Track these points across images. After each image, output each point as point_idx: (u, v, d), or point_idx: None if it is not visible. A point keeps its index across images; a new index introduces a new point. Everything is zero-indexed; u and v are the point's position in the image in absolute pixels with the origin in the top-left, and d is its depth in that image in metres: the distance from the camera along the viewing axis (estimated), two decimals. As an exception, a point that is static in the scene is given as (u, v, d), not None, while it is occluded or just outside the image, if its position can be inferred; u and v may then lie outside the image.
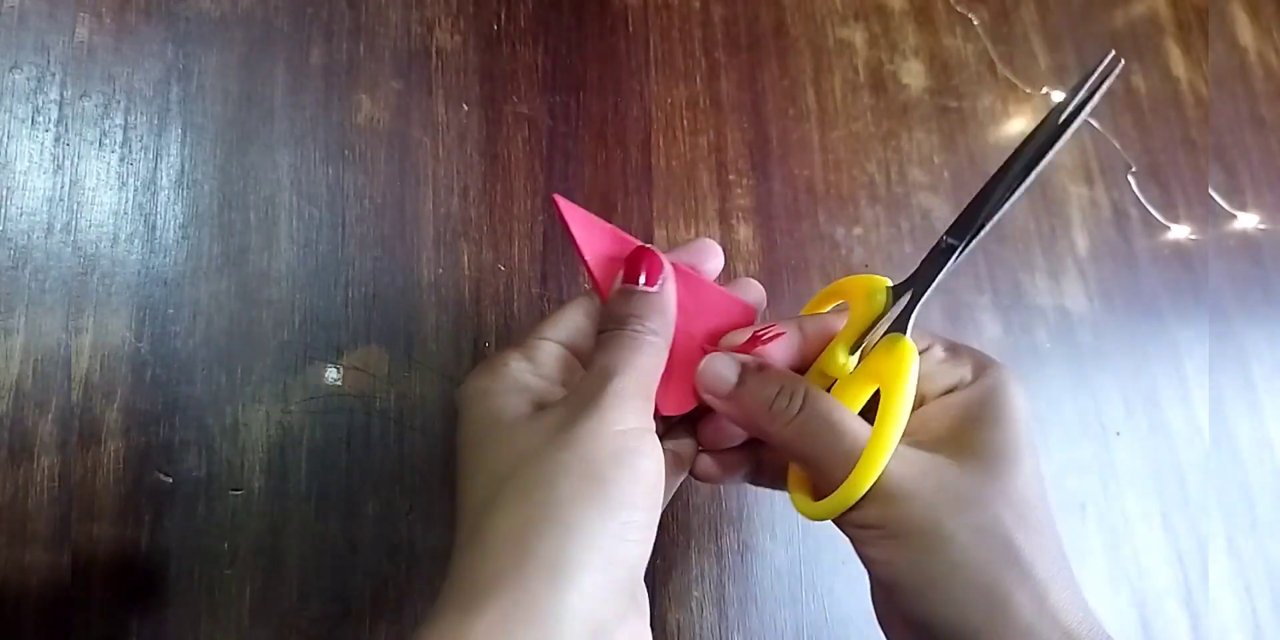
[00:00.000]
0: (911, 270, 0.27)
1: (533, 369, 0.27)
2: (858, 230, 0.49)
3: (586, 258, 0.28)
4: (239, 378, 0.33)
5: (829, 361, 0.27)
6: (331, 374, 0.35)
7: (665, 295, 0.28)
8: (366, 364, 0.35)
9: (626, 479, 0.22)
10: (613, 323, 0.27)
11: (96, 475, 0.31)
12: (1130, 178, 0.59)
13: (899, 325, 0.26)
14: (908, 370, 0.25)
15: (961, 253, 0.26)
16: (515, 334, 0.38)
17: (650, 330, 0.27)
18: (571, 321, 0.29)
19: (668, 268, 0.28)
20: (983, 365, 0.28)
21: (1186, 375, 0.56)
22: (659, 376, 0.27)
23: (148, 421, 0.32)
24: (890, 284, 0.27)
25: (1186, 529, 0.52)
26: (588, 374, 0.26)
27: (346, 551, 0.33)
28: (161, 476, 0.32)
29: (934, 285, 0.26)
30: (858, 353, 0.27)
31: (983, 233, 0.26)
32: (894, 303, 0.27)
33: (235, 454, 0.33)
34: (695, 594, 0.38)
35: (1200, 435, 0.55)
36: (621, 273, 0.28)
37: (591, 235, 0.28)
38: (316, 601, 0.32)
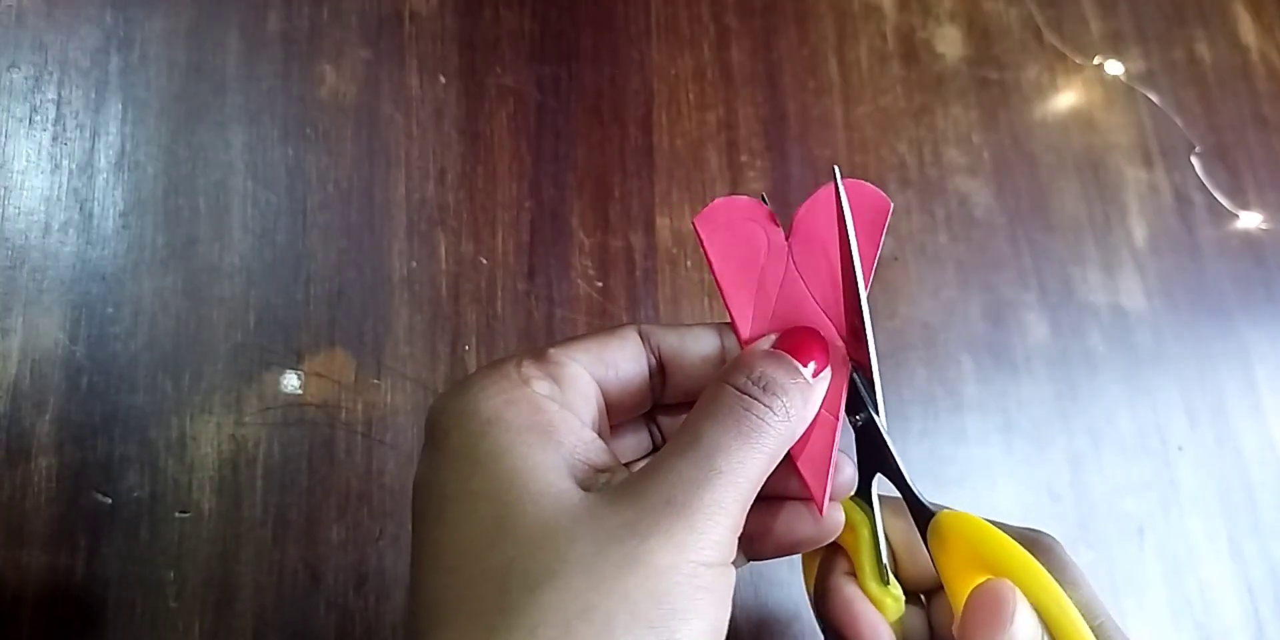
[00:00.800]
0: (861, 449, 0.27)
1: (560, 397, 0.23)
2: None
3: (720, 276, 0.26)
4: (186, 385, 0.33)
5: (876, 602, 0.26)
6: (291, 381, 0.35)
7: (819, 391, 0.24)
8: (330, 370, 0.35)
9: (695, 630, 0.19)
10: (744, 382, 0.23)
11: (25, 495, 0.31)
12: (1194, 159, 0.59)
13: (919, 510, 0.25)
14: (1019, 558, 0.23)
15: (881, 415, 0.26)
16: (499, 337, 0.38)
17: (789, 418, 0.23)
18: (613, 356, 0.25)
19: (835, 359, 0.25)
20: (1047, 563, 0.26)
21: (1257, 382, 0.56)
22: (760, 485, 0.22)
23: (83, 435, 0.32)
24: (850, 496, 0.27)
25: (1257, 556, 0.52)
26: (677, 452, 0.21)
27: (307, 581, 0.33)
28: (99, 497, 0.31)
29: (899, 462, 0.26)
30: (890, 577, 0.26)
31: (878, 386, 0.26)
32: (873, 506, 0.26)
33: (182, 471, 0.32)
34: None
35: (1273, 450, 0.55)
36: (775, 337, 0.25)
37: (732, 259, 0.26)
38: (273, 638, 0.32)
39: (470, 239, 0.39)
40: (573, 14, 0.44)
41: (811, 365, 0.24)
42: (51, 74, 0.34)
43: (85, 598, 0.31)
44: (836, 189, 0.25)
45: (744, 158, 0.46)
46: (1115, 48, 0.58)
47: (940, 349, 0.47)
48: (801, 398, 0.23)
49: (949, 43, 0.54)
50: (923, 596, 0.27)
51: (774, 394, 0.23)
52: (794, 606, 0.40)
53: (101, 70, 0.35)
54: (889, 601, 0.26)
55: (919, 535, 0.26)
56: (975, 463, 0.46)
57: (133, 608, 0.31)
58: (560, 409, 0.22)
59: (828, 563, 0.27)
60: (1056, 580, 0.25)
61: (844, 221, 0.25)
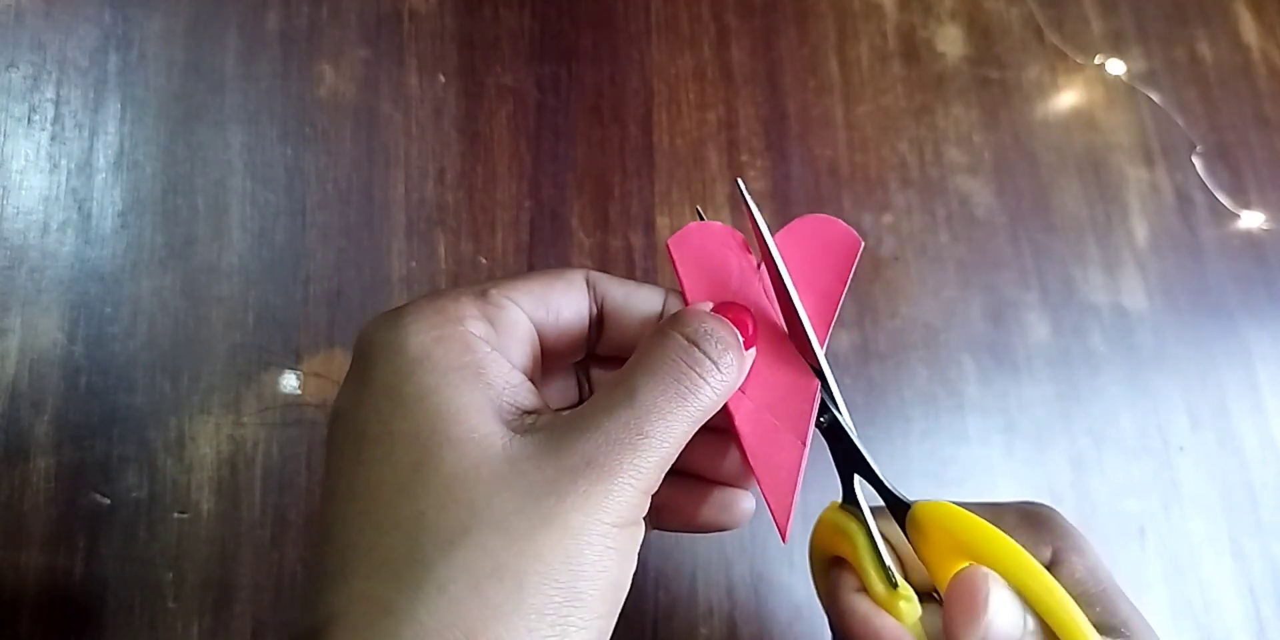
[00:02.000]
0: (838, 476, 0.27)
1: (494, 339, 0.22)
2: (887, 218, 0.48)
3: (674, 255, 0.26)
4: (185, 385, 0.33)
5: (890, 608, 0.26)
6: (290, 381, 0.34)
7: (749, 363, 0.25)
8: (329, 370, 0.35)
9: (601, 592, 0.19)
10: (692, 331, 0.22)
11: (24, 496, 0.31)
12: (1195, 159, 0.59)
13: (895, 503, 0.25)
14: (1005, 547, 0.23)
15: (844, 413, 0.26)
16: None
17: (725, 380, 0.22)
18: (556, 301, 0.24)
19: (804, 385, 0.25)
20: (1049, 532, 0.26)
21: (1259, 382, 0.56)
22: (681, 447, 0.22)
23: (82, 435, 0.32)
24: (839, 503, 0.27)
25: (1259, 556, 0.52)
26: (607, 409, 0.21)
27: (307, 582, 0.33)
28: (98, 497, 0.31)
29: (869, 459, 0.26)
30: (898, 578, 0.26)
31: (833, 387, 0.26)
32: (861, 508, 0.26)
33: (181, 472, 0.32)
34: (703, 631, 0.38)
35: (1275, 450, 0.55)
36: (711, 304, 0.25)
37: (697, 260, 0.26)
38: (272, 639, 0.32)
39: (470, 238, 0.39)
40: (572, 13, 0.44)
41: (750, 349, 0.24)
42: (50, 73, 0.34)
43: (84, 598, 0.31)
44: (747, 205, 0.25)
45: (744, 157, 0.46)
46: (1116, 47, 0.58)
47: (941, 349, 0.47)
48: (739, 362, 0.23)
49: (950, 42, 0.54)
50: (936, 593, 0.27)
51: (722, 348, 0.23)
52: (794, 607, 0.40)
53: (100, 69, 0.35)
54: (902, 604, 0.25)
55: None
56: (976, 463, 0.46)
57: (131, 608, 0.31)
58: (491, 351, 0.22)
59: (835, 580, 0.27)
60: (1059, 548, 0.25)
61: (759, 233, 0.25)
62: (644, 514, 0.21)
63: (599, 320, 0.26)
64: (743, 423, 0.25)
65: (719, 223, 0.26)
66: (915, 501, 0.25)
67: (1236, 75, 0.63)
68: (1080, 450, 0.49)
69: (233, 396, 0.34)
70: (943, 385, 0.47)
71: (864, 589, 0.26)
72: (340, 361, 0.35)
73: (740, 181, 0.25)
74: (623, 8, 0.45)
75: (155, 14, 0.36)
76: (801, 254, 0.26)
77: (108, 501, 0.31)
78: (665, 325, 0.23)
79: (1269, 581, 0.51)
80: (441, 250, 0.38)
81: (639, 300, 0.26)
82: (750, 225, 0.25)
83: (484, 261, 0.39)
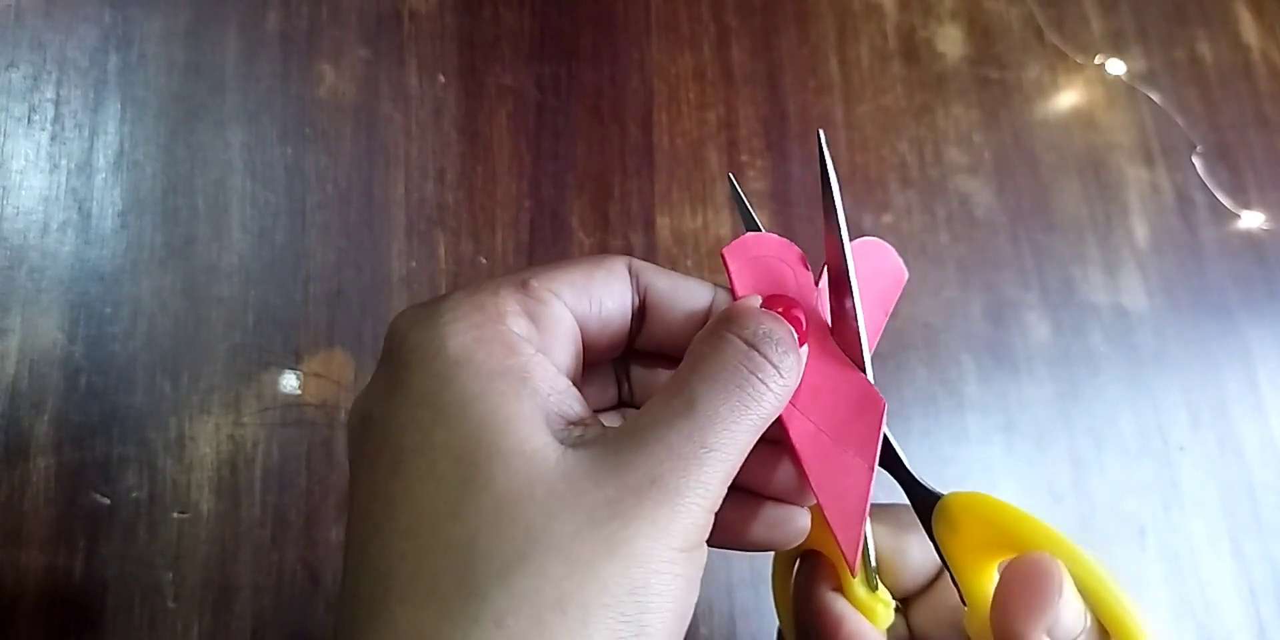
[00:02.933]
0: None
1: (537, 340, 0.21)
2: (888, 217, 0.48)
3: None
4: (185, 385, 0.33)
5: (866, 611, 0.25)
6: (290, 381, 0.34)
7: (804, 362, 0.23)
8: (329, 370, 0.35)
9: (667, 625, 0.18)
10: (751, 334, 0.21)
11: (24, 496, 0.31)
12: (1196, 159, 0.59)
13: (921, 495, 0.24)
14: (1040, 530, 0.22)
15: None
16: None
17: (782, 387, 0.21)
18: (599, 291, 0.22)
19: (869, 407, 0.24)
20: None
21: (1259, 382, 0.56)
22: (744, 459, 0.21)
23: (82, 435, 0.32)
24: None
25: (1260, 557, 0.52)
26: (666, 420, 0.19)
27: (306, 582, 0.33)
28: (97, 497, 0.31)
29: (898, 450, 0.24)
30: (878, 582, 0.25)
31: (869, 368, 0.24)
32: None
33: (181, 472, 0.32)
34: (703, 631, 0.38)
35: (1275, 450, 0.55)
36: (760, 298, 0.23)
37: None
38: (272, 639, 0.32)
39: (470, 238, 0.39)
40: (572, 13, 0.44)
41: (805, 345, 0.23)
42: (50, 73, 0.34)
43: (84, 598, 0.31)
44: (821, 154, 0.24)
45: (744, 157, 0.46)
46: (1116, 47, 0.58)
47: (941, 349, 0.47)
48: (798, 364, 0.22)
49: (950, 42, 0.54)
50: (897, 603, 0.26)
51: (784, 351, 0.21)
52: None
53: (100, 69, 0.35)
54: (879, 609, 0.24)
55: (904, 539, 0.25)
56: (976, 463, 0.46)
57: (131, 608, 0.31)
58: (536, 353, 0.20)
59: (810, 576, 0.26)
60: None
61: (829, 187, 0.24)
62: (707, 535, 0.20)
63: (640, 312, 0.24)
64: (800, 440, 0.23)
65: (776, 236, 0.25)
66: (947, 492, 0.24)
67: (1237, 75, 0.63)
68: (1080, 450, 0.49)
69: (233, 396, 0.34)
70: (942, 385, 0.47)
71: (839, 588, 0.25)
72: (340, 361, 0.35)
73: (733, 181, 0.25)
74: (623, 8, 0.45)
75: (155, 14, 0.36)
76: (864, 277, 0.25)
77: (108, 501, 0.31)
78: (720, 326, 0.21)
79: (1269, 581, 0.51)
80: (441, 250, 0.38)
81: (686, 294, 0.24)
82: (823, 226, 0.25)
83: (484, 261, 0.39)
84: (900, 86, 0.51)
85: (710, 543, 0.24)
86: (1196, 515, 0.51)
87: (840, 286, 0.24)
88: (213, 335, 0.34)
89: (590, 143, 0.42)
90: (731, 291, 0.24)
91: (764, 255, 0.25)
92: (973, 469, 0.46)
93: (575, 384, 0.21)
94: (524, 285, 0.21)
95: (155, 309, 0.33)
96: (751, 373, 0.20)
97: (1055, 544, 0.22)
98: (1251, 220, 0.59)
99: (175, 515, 0.32)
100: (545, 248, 0.40)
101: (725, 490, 0.20)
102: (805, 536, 0.24)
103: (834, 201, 0.24)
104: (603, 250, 0.41)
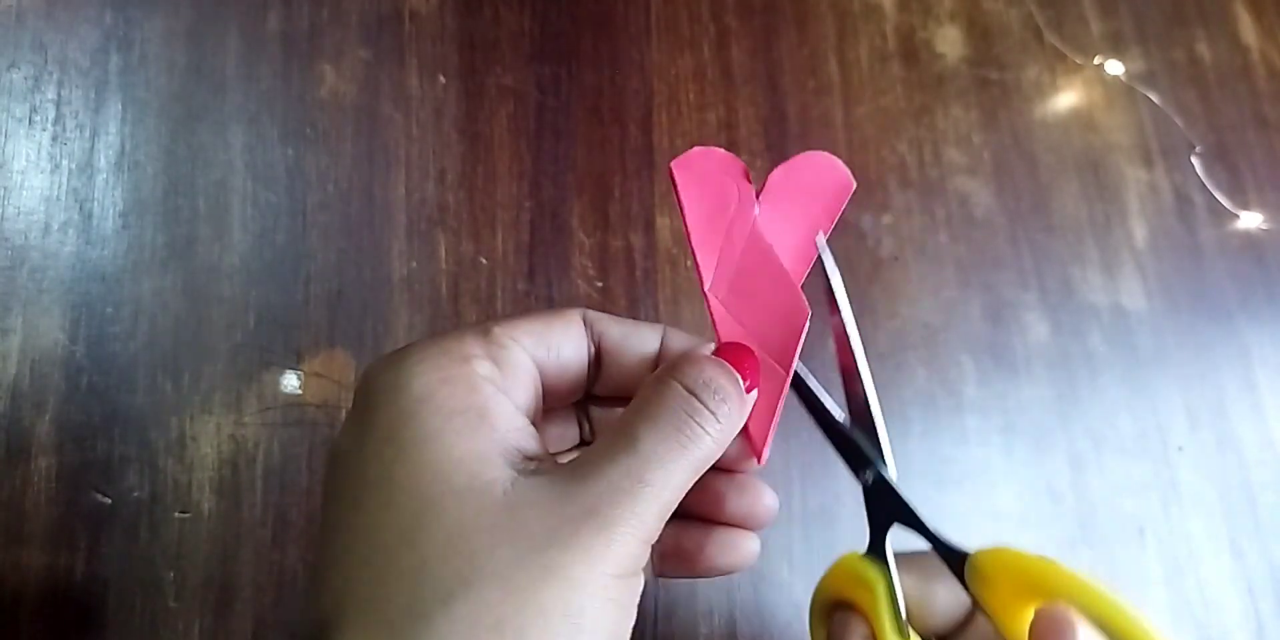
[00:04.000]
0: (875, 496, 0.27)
1: (499, 380, 0.22)
2: (887, 218, 0.48)
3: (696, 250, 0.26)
4: (186, 385, 0.33)
5: None
6: (290, 381, 0.35)
7: (749, 408, 0.24)
8: (330, 370, 0.35)
9: (615, 637, 0.20)
10: (693, 381, 0.22)
11: (25, 495, 0.31)
12: (1194, 159, 0.59)
13: (949, 553, 0.25)
14: (1088, 588, 0.23)
15: (890, 469, 0.26)
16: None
17: (725, 430, 0.22)
18: (556, 340, 0.24)
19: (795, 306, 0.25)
20: None
21: (1258, 382, 0.56)
22: (683, 495, 0.22)
23: (83, 435, 0.32)
24: (861, 554, 0.27)
25: (1258, 556, 0.52)
26: (609, 456, 0.21)
27: (307, 582, 0.33)
28: (99, 497, 0.31)
29: (918, 512, 0.25)
30: (910, 632, 0.26)
31: (884, 437, 0.26)
32: (888, 562, 0.26)
33: (182, 472, 0.32)
34: (703, 631, 0.38)
35: (1274, 451, 0.55)
36: (712, 346, 0.25)
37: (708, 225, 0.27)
38: (273, 638, 0.32)
39: (470, 239, 0.39)
40: (573, 14, 0.44)
41: (752, 393, 0.24)
42: (51, 74, 0.34)
43: (85, 598, 0.31)
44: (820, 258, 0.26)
45: (744, 157, 0.46)
46: (1115, 48, 0.58)
47: (940, 349, 0.47)
48: (739, 410, 0.23)
49: (949, 43, 0.54)
50: None
51: (720, 399, 0.22)
52: (794, 607, 0.40)
53: (101, 70, 0.35)
54: None
55: (930, 586, 0.25)
56: (975, 463, 0.46)
57: (132, 608, 0.31)
58: (496, 392, 0.22)
59: (844, 627, 0.26)
60: None
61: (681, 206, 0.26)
62: (644, 564, 0.21)
63: (597, 359, 0.25)
64: (725, 339, 0.25)
65: (722, 150, 0.27)
66: (974, 550, 0.25)
67: (1235, 76, 0.63)
68: (1079, 450, 0.49)
69: (234, 396, 0.34)
70: (942, 385, 0.47)
71: (872, 637, 0.26)
72: (341, 361, 0.35)
73: (821, 239, 0.26)
74: (623, 9, 0.45)
75: (156, 15, 0.36)
76: (801, 192, 0.27)
77: (109, 501, 0.32)
78: (665, 372, 0.23)
79: (1268, 581, 0.52)
80: (442, 250, 0.38)
81: (636, 340, 0.25)
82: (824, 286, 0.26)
83: (484, 262, 0.39)
84: (900, 87, 0.51)
85: (669, 573, 0.26)
86: (1195, 515, 0.51)
87: (851, 377, 0.26)
88: (214, 335, 0.34)
89: (590, 143, 0.42)
90: (679, 207, 0.26)
91: (709, 169, 0.27)
92: (972, 469, 0.46)
93: (534, 424, 0.23)
94: (486, 332, 0.23)
95: (156, 309, 0.34)
96: (689, 416, 0.22)
97: (1083, 590, 0.23)
98: (1250, 221, 0.59)
99: (176, 515, 0.32)
100: (545, 248, 0.40)
101: (662, 522, 0.21)
102: (755, 558, 0.26)
103: (839, 301, 0.26)
104: (603, 250, 0.41)
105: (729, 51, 0.47)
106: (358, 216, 0.37)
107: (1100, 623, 0.23)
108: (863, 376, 0.25)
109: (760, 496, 0.26)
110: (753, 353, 0.25)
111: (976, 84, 0.54)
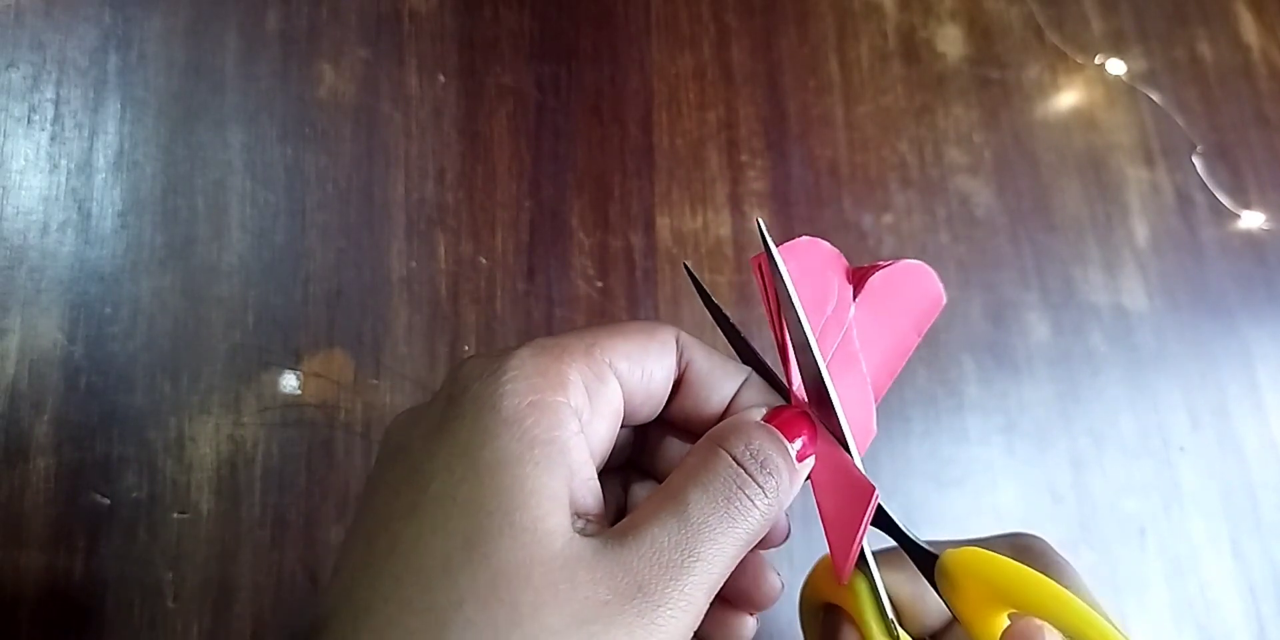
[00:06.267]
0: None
1: (587, 416, 0.21)
2: (888, 218, 0.48)
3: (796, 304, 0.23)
4: (185, 386, 0.33)
5: None
6: (289, 381, 0.34)
7: (802, 477, 0.23)
8: (329, 370, 0.35)
9: None
10: (741, 451, 0.21)
11: (24, 496, 0.31)
12: (1196, 159, 0.59)
13: (920, 555, 0.24)
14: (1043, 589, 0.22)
15: (858, 466, 0.25)
16: (498, 337, 0.38)
17: (775, 503, 0.21)
18: (652, 366, 0.23)
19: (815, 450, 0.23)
20: (1043, 568, 0.25)
21: (1259, 382, 0.56)
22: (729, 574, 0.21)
23: (82, 435, 0.32)
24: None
25: (1259, 556, 0.52)
26: (660, 522, 0.20)
27: (306, 582, 0.33)
28: (97, 497, 0.31)
29: (889, 512, 0.25)
30: (899, 631, 0.26)
31: (849, 435, 0.24)
32: (867, 559, 0.25)
33: (180, 472, 0.32)
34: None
35: (1276, 450, 0.55)
36: (764, 410, 0.23)
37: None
38: (272, 639, 0.32)
39: (469, 239, 0.39)
40: (572, 13, 0.44)
41: (799, 444, 0.23)
42: (50, 73, 0.34)
43: (83, 598, 0.31)
44: (768, 251, 0.23)
45: (744, 157, 0.46)
46: (1117, 47, 0.58)
47: (941, 349, 0.47)
48: (789, 481, 0.22)
49: (950, 42, 0.54)
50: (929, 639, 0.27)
51: (769, 472, 0.21)
52: (794, 607, 0.40)
53: (100, 69, 0.35)
54: None
55: (921, 584, 0.25)
56: (976, 463, 0.46)
57: (131, 608, 0.31)
58: (579, 432, 0.20)
59: (832, 629, 0.26)
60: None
61: (780, 284, 0.23)
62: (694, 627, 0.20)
63: (675, 386, 0.24)
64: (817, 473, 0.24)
65: (828, 243, 0.25)
66: (943, 550, 0.24)
67: (1237, 75, 0.63)
68: (1080, 450, 0.49)
69: (232, 397, 0.34)
70: (942, 385, 0.47)
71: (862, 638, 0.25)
72: (340, 361, 0.35)
73: (760, 222, 0.24)
74: (622, 8, 0.45)
75: (155, 14, 0.36)
76: (888, 298, 0.25)
77: (107, 502, 0.31)
78: (713, 439, 0.22)
79: (1269, 581, 0.51)
80: (441, 250, 0.38)
81: (722, 374, 0.24)
82: (767, 266, 0.24)
83: (484, 262, 0.39)
84: (900, 86, 0.51)
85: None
86: (1197, 515, 0.51)
87: (823, 403, 0.24)
88: (212, 335, 0.34)
89: (590, 143, 0.42)
90: (770, 302, 0.24)
91: (814, 262, 0.24)
92: (973, 469, 0.46)
93: (602, 460, 0.22)
94: (589, 354, 0.22)
95: (155, 309, 0.33)
96: (739, 488, 0.21)
97: (1049, 597, 0.23)
98: (1252, 220, 0.59)
99: (175, 515, 0.32)
100: (545, 248, 0.40)
101: (708, 603, 0.20)
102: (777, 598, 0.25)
103: (797, 314, 0.23)
104: (603, 250, 0.41)
105: (729, 51, 0.47)
106: (357, 216, 0.37)
107: (1071, 634, 0.22)
108: (825, 379, 0.24)
109: (763, 577, 0.25)
110: (808, 420, 0.23)
111: (977, 83, 0.54)
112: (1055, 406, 0.49)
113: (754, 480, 0.21)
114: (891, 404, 0.45)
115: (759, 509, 0.21)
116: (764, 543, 0.23)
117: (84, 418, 0.32)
